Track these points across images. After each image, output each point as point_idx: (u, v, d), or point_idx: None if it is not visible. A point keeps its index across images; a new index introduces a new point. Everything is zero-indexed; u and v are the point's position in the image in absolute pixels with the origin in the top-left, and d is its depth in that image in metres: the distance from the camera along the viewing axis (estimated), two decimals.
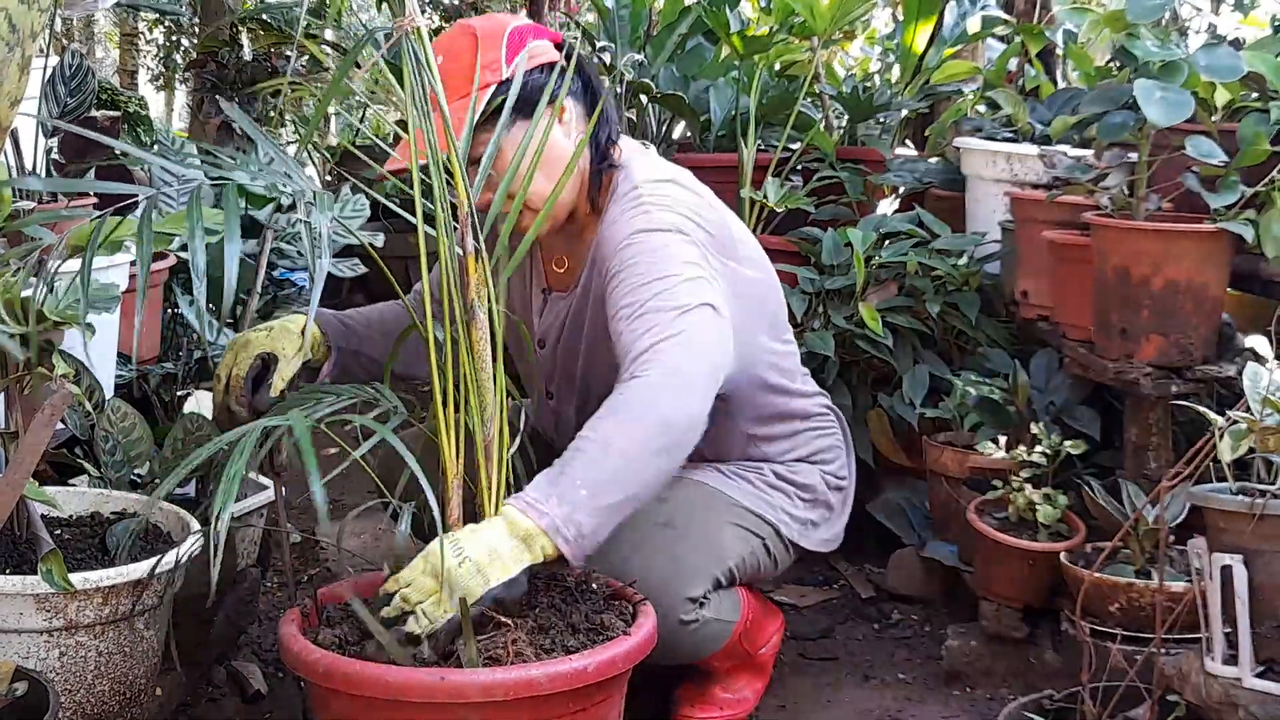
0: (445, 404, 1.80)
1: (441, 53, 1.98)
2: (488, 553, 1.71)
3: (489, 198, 1.93)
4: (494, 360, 1.82)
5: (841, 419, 2.48)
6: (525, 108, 1.97)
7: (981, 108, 3.55)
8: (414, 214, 1.80)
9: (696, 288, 1.97)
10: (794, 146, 3.74)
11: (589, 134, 2.08)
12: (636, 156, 2.20)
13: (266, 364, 2.19)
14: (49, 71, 2.76)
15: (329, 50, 4.60)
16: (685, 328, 1.91)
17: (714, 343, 1.95)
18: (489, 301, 1.82)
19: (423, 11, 1.73)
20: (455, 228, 1.79)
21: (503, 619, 1.75)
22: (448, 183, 1.79)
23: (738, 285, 2.16)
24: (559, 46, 2.12)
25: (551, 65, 2.07)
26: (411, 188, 1.79)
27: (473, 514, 1.83)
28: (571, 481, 1.76)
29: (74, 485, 2.29)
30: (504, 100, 1.93)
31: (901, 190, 3.76)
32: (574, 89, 2.12)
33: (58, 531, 2.09)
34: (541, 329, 2.29)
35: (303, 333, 2.21)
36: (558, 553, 1.74)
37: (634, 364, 1.89)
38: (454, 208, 1.81)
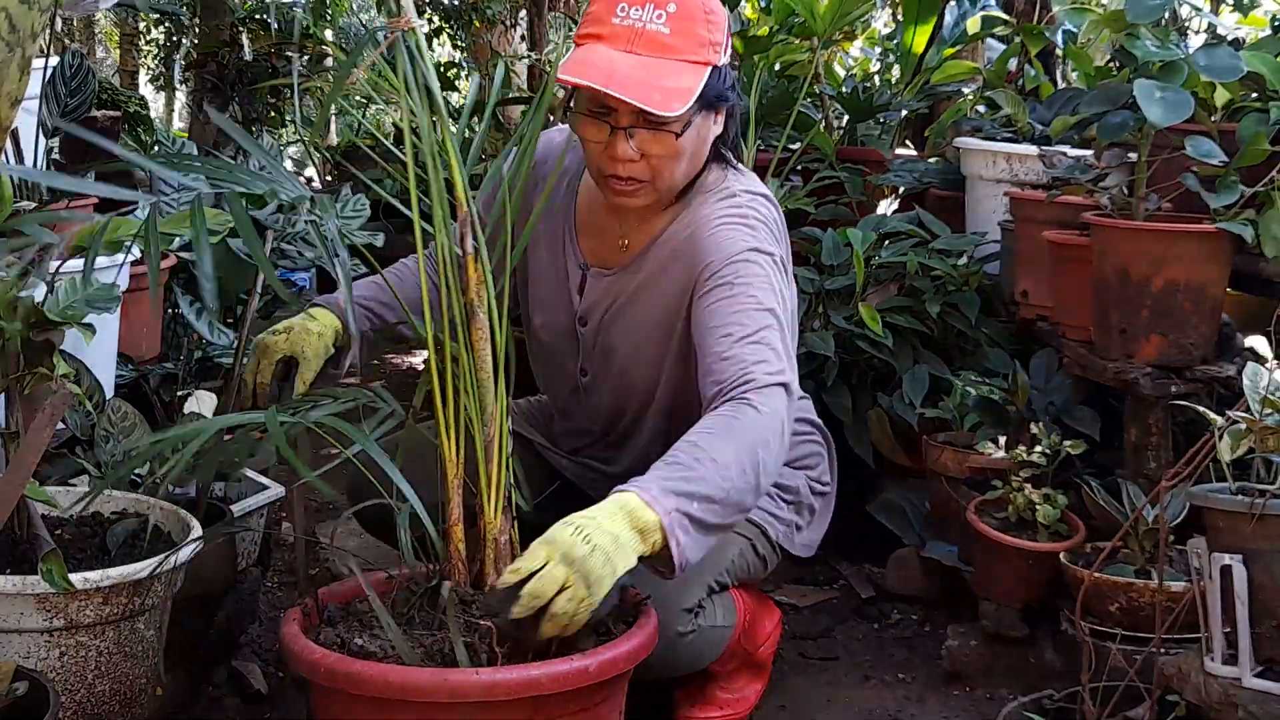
0: (445, 404, 1.80)
1: (674, 2, 1.98)
2: (612, 540, 1.67)
3: (634, 166, 1.99)
4: (494, 359, 1.82)
5: (825, 432, 2.48)
6: (711, 97, 2.00)
7: (981, 108, 3.55)
8: (413, 213, 1.80)
9: (788, 332, 2.02)
10: (794, 147, 3.75)
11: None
12: (729, 158, 2.19)
13: (289, 366, 2.19)
14: (49, 72, 2.76)
15: (327, 50, 4.60)
16: (787, 379, 1.94)
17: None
18: (489, 302, 1.82)
19: (422, 12, 1.74)
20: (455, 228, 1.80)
21: (483, 622, 1.73)
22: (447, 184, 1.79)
23: (789, 306, 2.17)
24: None
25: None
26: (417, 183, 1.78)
27: (472, 513, 1.84)
28: (690, 490, 1.75)
29: (74, 485, 2.29)
30: (709, 84, 1.97)
31: (901, 190, 3.76)
32: (734, 95, 2.11)
33: (58, 531, 2.09)
34: (584, 306, 2.23)
35: (334, 331, 2.20)
36: (664, 550, 1.71)
37: (750, 391, 1.89)
38: (453, 207, 1.81)
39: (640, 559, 1.71)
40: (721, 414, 1.87)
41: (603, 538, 1.67)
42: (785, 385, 1.93)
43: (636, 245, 2.18)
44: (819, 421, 2.46)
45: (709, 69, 1.98)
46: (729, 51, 2.05)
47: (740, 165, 2.20)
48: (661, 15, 1.96)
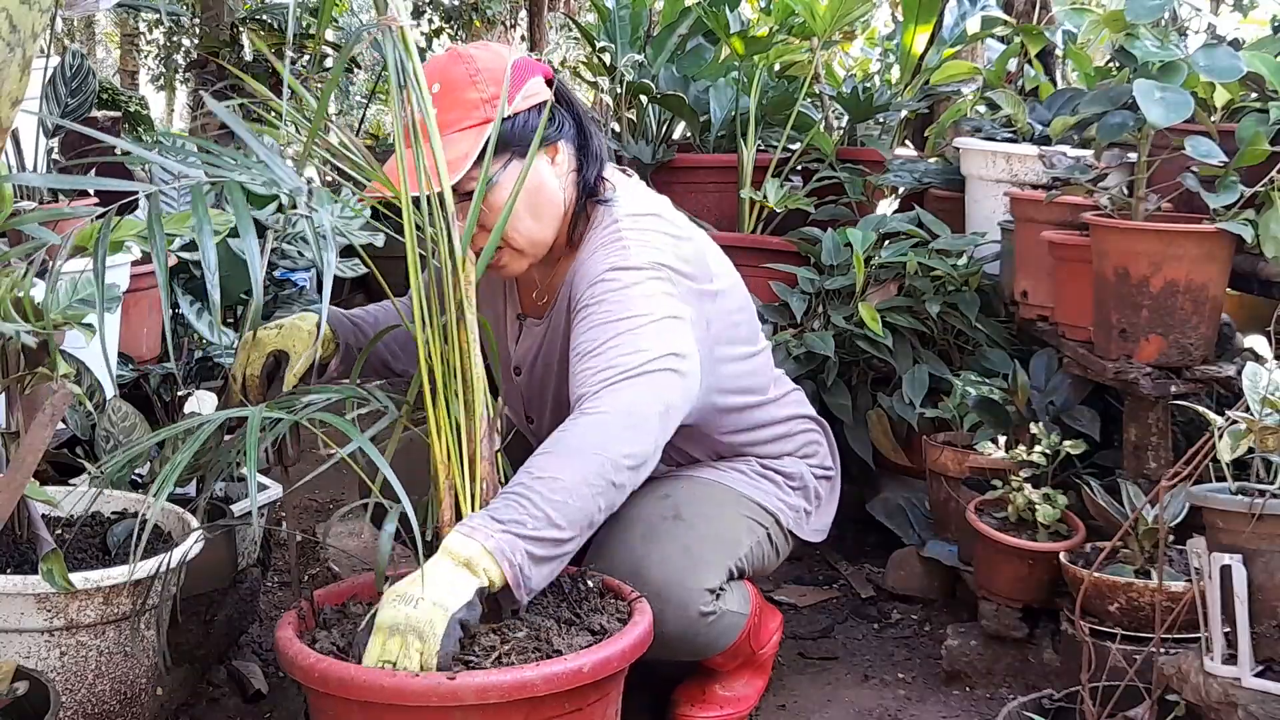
0: (436, 404, 1.80)
1: (437, 80, 2.00)
2: (437, 586, 1.68)
3: (478, 238, 1.95)
4: (484, 362, 1.82)
5: (820, 420, 2.49)
6: (522, 146, 2.01)
7: (981, 108, 3.55)
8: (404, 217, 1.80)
9: (664, 331, 1.97)
10: (794, 147, 3.75)
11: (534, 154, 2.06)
12: (621, 190, 2.18)
13: (279, 361, 2.22)
14: (50, 72, 2.77)
15: (328, 51, 4.60)
16: (645, 370, 1.91)
17: (675, 390, 1.95)
18: (476, 306, 1.82)
19: (421, 12, 1.73)
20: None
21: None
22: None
23: (711, 316, 2.17)
24: (549, 82, 2.13)
25: (546, 104, 2.07)
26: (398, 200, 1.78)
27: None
28: (516, 515, 1.74)
29: (74, 485, 2.30)
30: (499, 137, 1.96)
31: (901, 191, 3.76)
32: (567, 130, 2.12)
33: (58, 531, 2.09)
34: (518, 355, 2.30)
35: (317, 327, 2.23)
36: (503, 579, 1.72)
37: (587, 400, 1.89)
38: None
39: (485, 592, 1.71)
40: (555, 433, 1.87)
41: (426, 588, 1.68)
42: (638, 375, 1.90)
43: (550, 296, 2.23)
44: (811, 412, 2.48)
45: (490, 124, 1.98)
46: (526, 95, 2.05)
47: (618, 188, 2.18)
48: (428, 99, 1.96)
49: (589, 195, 2.15)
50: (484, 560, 1.70)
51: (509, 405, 2.38)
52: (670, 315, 2.00)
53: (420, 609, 1.67)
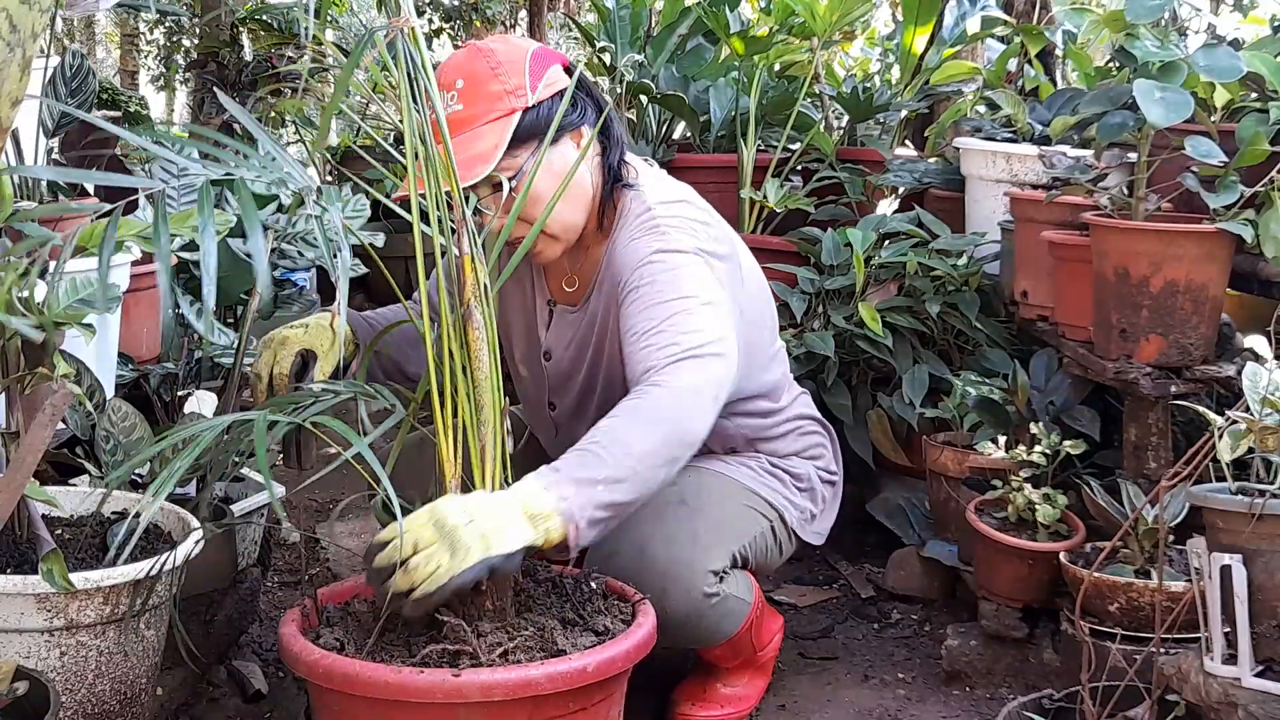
0: (443, 404, 1.80)
1: (460, 76, 2.04)
2: (495, 523, 1.70)
3: (515, 227, 1.97)
4: (491, 361, 1.82)
5: (825, 423, 2.50)
6: (538, 132, 2.04)
7: (981, 108, 3.55)
8: (412, 216, 1.80)
9: (713, 314, 2.02)
10: (794, 147, 3.75)
11: (585, 149, 2.11)
12: (645, 176, 2.22)
13: (305, 360, 2.23)
14: (50, 72, 2.77)
15: (329, 52, 4.60)
16: (702, 352, 1.96)
17: (723, 372, 1.99)
18: (485, 304, 1.82)
19: (421, 12, 1.73)
20: (453, 229, 1.80)
21: (451, 619, 1.74)
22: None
23: (742, 306, 2.20)
24: (567, 70, 2.14)
25: (567, 91, 2.09)
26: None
27: None
28: (591, 474, 1.78)
29: (75, 485, 2.29)
30: (525, 126, 2.01)
31: (901, 191, 3.76)
32: (589, 115, 2.15)
33: (58, 531, 2.09)
34: (548, 342, 2.30)
35: (334, 327, 2.25)
36: (561, 538, 1.74)
37: (653, 374, 1.93)
38: (450, 208, 1.81)
39: (534, 549, 1.73)
40: (628, 399, 1.91)
41: (486, 519, 1.70)
42: (698, 356, 1.95)
43: (583, 283, 2.25)
44: (818, 414, 2.49)
45: (516, 115, 2.04)
46: (548, 84, 2.08)
47: (644, 177, 2.21)
48: (454, 95, 2.04)
49: (614, 179, 2.18)
50: (551, 521, 1.73)
51: (532, 392, 2.38)
52: (715, 300, 2.05)
53: (469, 532, 1.68)
